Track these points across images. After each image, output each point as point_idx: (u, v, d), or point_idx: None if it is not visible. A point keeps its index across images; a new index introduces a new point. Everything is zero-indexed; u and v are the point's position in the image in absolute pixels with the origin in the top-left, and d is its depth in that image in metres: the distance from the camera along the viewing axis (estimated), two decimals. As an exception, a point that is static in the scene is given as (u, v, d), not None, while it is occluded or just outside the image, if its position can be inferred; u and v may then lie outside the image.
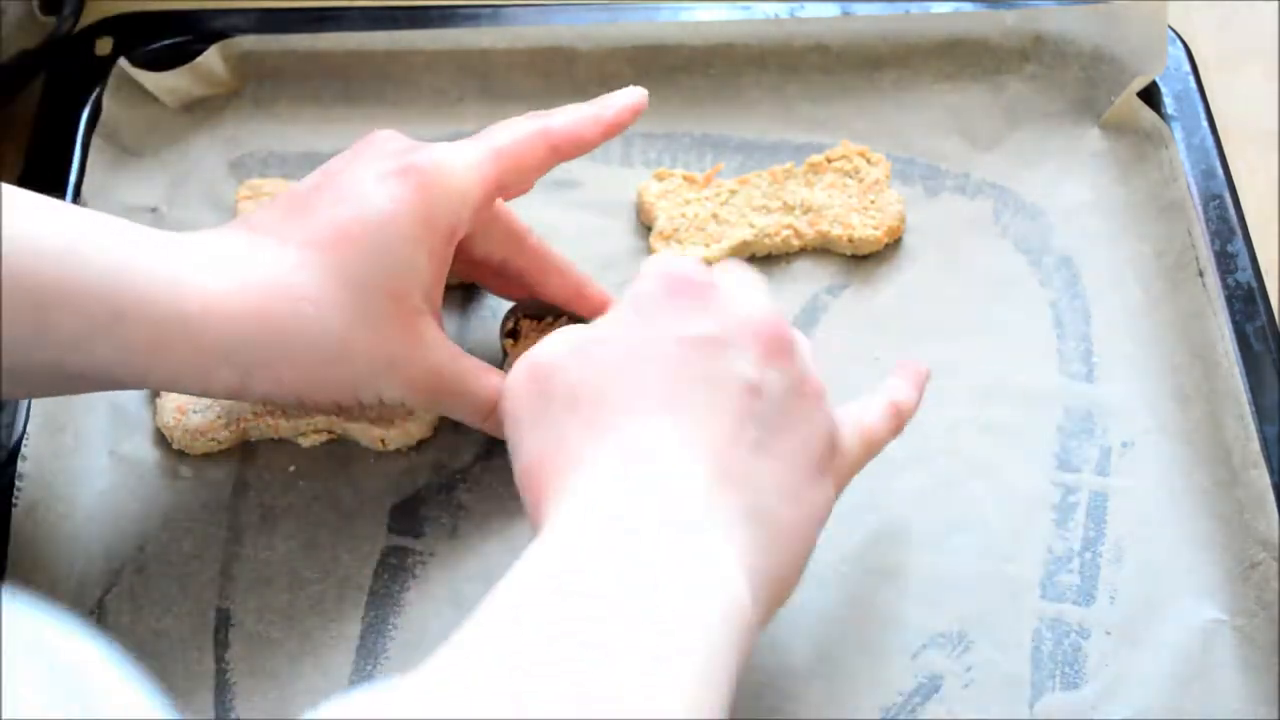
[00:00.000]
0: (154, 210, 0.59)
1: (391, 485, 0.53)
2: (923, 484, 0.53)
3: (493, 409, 0.50)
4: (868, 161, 0.60)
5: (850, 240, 0.58)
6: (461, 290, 0.57)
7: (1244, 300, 0.56)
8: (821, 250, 0.59)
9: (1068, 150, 0.62)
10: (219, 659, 0.49)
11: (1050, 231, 0.59)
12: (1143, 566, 0.51)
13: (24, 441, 0.52)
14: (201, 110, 0.62)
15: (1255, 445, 0.52)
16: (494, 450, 0.53)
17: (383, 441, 0.53)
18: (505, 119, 0.50)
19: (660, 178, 0.60)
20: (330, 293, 0.46)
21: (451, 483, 0.53)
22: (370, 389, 0.48)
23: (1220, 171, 0.59)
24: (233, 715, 0.48)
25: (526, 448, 0.42)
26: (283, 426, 0.53)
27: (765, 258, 0.59)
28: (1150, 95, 0.61)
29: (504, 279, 0.54)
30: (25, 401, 0.53)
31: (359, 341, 0.47)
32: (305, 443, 0.54)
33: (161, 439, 0.54)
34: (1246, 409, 0.53)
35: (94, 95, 0.61)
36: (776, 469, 0.41)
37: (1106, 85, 0.62)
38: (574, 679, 0.34)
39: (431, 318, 0.48)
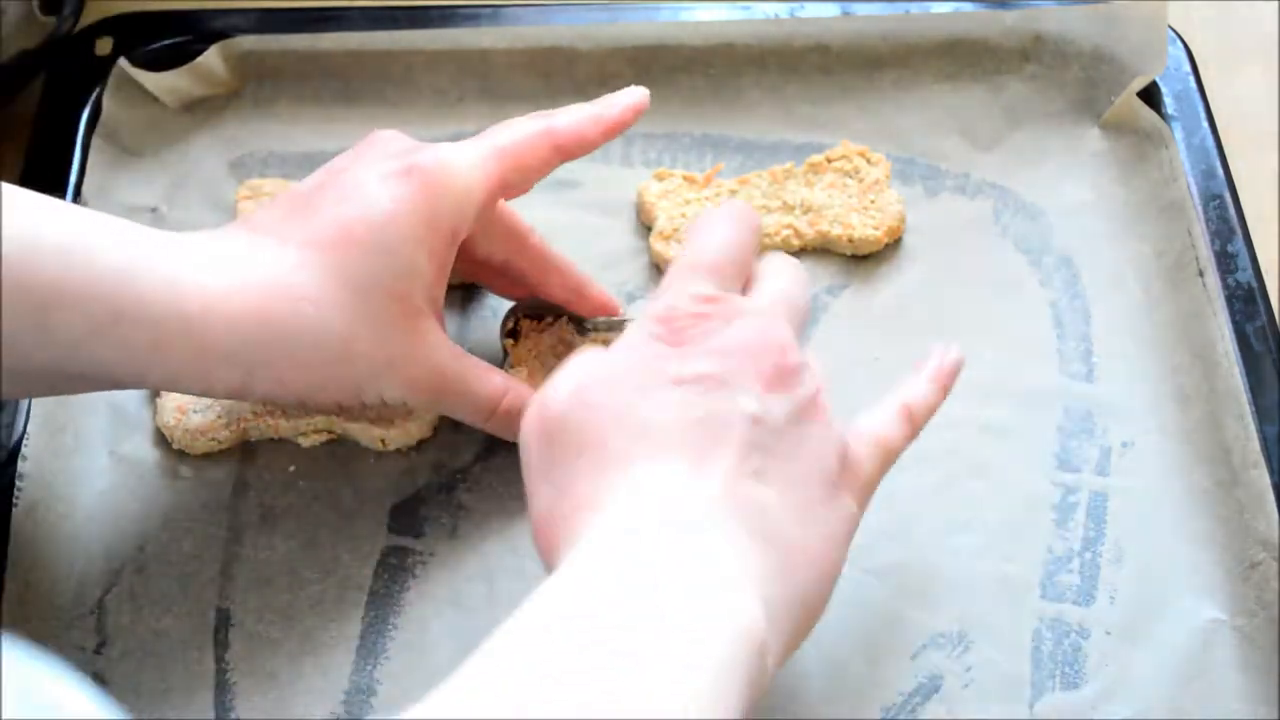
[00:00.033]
0: (154, 210, 0.59)
1: (391, 485, 0.53)
2: (923, 484, 0.53)
3: (494, 409, 0.50)
4: (868, 161, 0.60)
5: (850, 240, 0.58)
6: (462, 290, 0.57)
7: (1244, 300, 0.56)
8: (821, 250, 0.59)
9: (1068, 150, 0.62)
10: (219, 659, 0.49)
11: (1050, 231, 0.59)
12: (1143, 566, 0.51)
13: (24, 441, 0.52)
14: (201, 110, 0.62)
15: (1255, 445, 0.52)
16: (494, 450, 0.53)
17: (383, 441, 0.53)
18: (505, 119, 0.50)
19: (660, 178, 0.60)
20: (331, 293, 0.46)
21: (451, 483, 0.53)
22: (372, 389, 0.48)
23: (1220, 171, 0.59)
24: (233, 715, 0.48)
25: (538, 499, 0.42)
26: (283, 426, 0.53)
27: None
28: (1150, 95, 0.61)
29: (505, 279, 0.54)
30: (25, 401, 0.53)
31: (360, 342, 0.47)
32: (305, 443, 0.54)
33: (161, 439, 0.54)
34: (1246, 409, 0.53)
35: (94, 95, 0.61)
36: (786, 493, 0.41)
37: (1106, 85, 0.62)
38: (602, 686, 0.34)
39: (433, 318, 0.48)
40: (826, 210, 0.59)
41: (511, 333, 0.55)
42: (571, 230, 0.58)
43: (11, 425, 0.53)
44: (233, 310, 0.45)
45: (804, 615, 0.41)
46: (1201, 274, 0.57)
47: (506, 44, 0.62)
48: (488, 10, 0.64)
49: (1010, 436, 0.54)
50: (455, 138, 0.50)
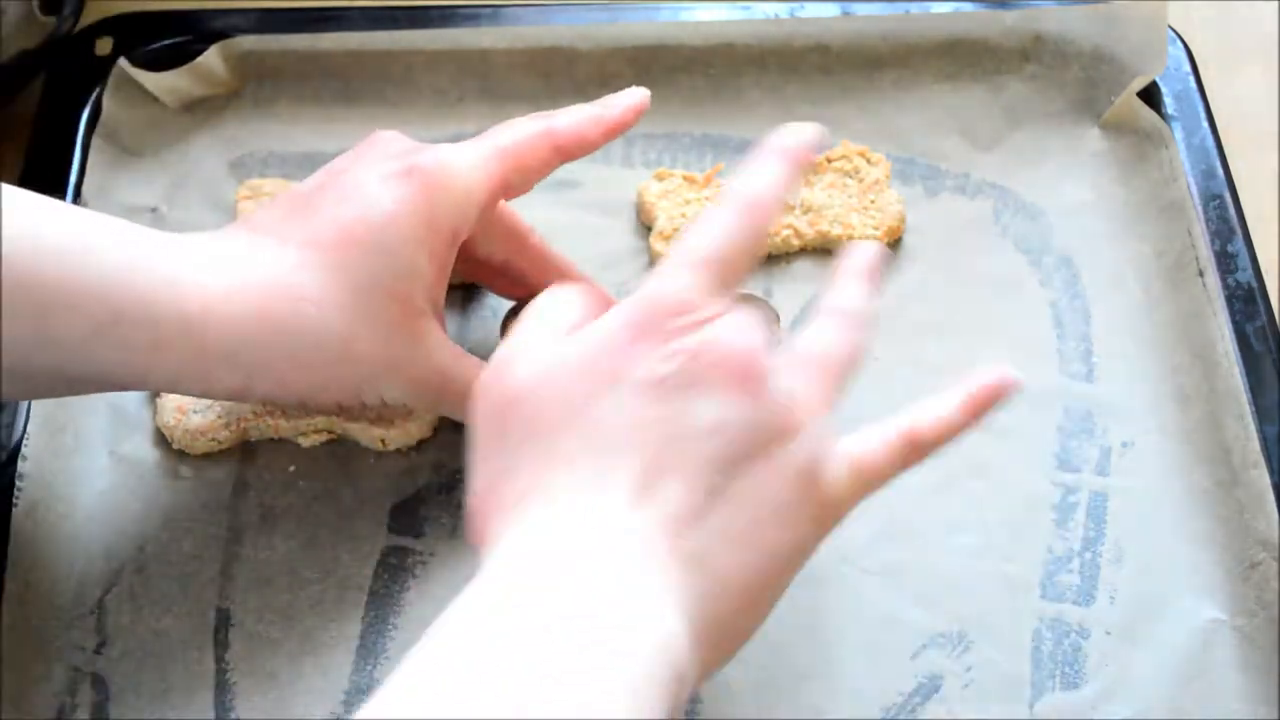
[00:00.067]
0: (154, 210, 0.59)
1: (391, 485, 0.53)
2: (923, 484, 0.52)
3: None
4: (868, 161, 0.60)
5: (850, 240, 0.58)
6: (462, 290, 0.57)
7: (1244, 300, 0.56)
8: (821, 250, 0.59)
9: (1068, 150, 0.62)
10: (219, 659, 0.49)
11: (1050, 231, 0.59)
12: (1143, 566, 0.51)
13: (24, 441, 0.52)
14: (201, 110, 0.62)
15: (1255, 445, 0.52)
16: (494, 450, 0.53)
17: (383, 441, 0.53)
18: (506, 119, 0.50)
19: (660, 178, 0.60)
20: (332, 293, 0.46)
21: (451, 483, 0.53)
22: (372, 390, 0.48)
23: (1220, 171, 0.59)
24: (233, 715, 0.48)
25: (479, 476, 0.41)
26: (283, 426, 0.53)
27: (765, 258, 0.59)
28: (1150, 95, 0.61)
29: (505, 279, 0.54)
30: (25, 402, 0.53)
31: (361, 342, 0.47)
32: (305, 443, 0.54)
33: (161, 439, 0.54)
34: (1246, 409, 0.53)
35: (94, 95, 0.61)
36: (733, 513, 0.39)
37: (1106, 85, 0.62)
38: (519, 698, 0.34)
39: (434, 319, 0.48)
40: (826, 210, 0.59)
41: (511, 333, 0.55)
42: (571, 230, 0.58)
43: (11, 425, 0.53)
44: (233, 310, 0.45)
45: (728, 638, 0.40)
46: (1201, 274, 0.57)
47: (506, 44, 0.62)
48: (488, 10, 0.64)
49: (1010, 436, 0.54)
50: (455, 138, 0.50)
